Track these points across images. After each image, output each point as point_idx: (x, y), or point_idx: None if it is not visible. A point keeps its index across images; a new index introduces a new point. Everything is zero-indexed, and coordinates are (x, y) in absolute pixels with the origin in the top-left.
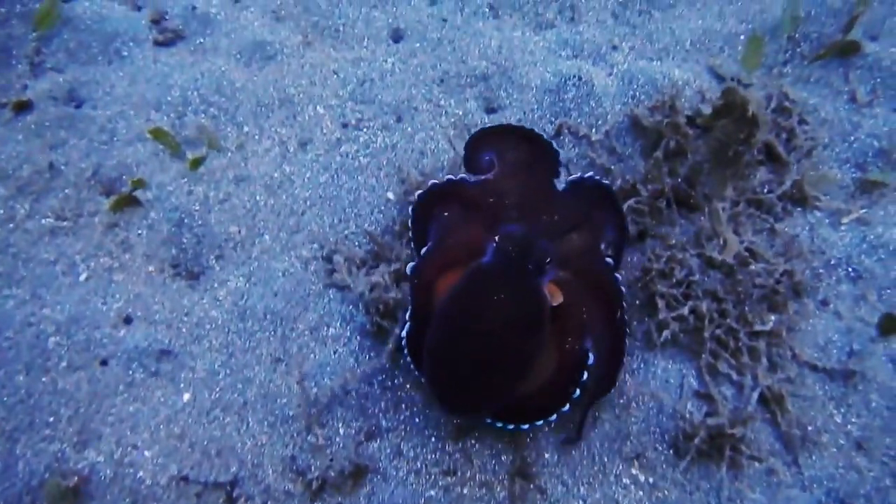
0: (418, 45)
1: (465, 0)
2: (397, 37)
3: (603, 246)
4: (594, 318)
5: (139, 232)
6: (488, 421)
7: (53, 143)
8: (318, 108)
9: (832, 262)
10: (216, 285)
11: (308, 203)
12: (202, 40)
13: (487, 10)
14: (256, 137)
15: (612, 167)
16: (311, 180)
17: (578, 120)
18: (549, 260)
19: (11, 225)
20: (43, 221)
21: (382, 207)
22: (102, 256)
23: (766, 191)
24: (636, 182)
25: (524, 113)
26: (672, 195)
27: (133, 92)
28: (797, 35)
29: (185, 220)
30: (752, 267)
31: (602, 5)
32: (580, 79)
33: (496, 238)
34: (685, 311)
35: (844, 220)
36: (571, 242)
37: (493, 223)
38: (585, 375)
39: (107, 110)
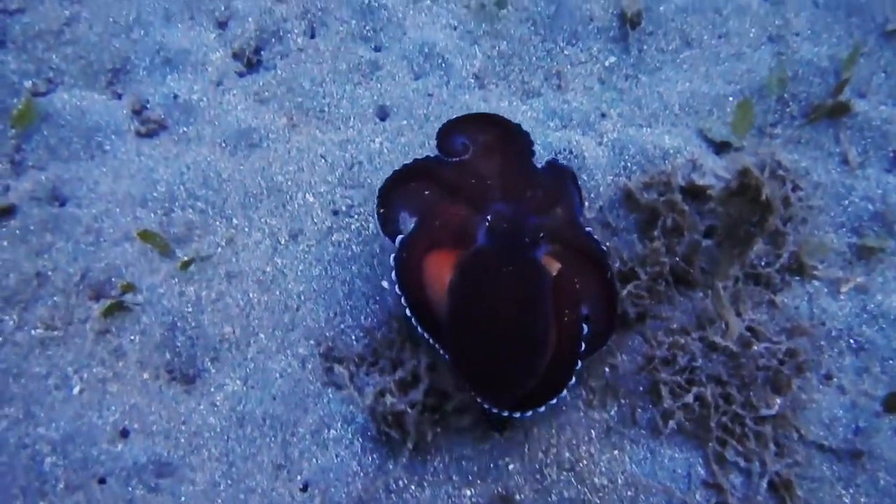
0: (405, 122)
1: (449, 72)
2: (383, 114)
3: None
4: (587, 284)
5: (132, 338)
6: (505, 414)
7: (39, 249)
8: (307, 195)
9: (833, 334)
10: (213, 389)
11: (302, 298)
12: (185, 129)
13: (473, 80)
14: (246, 230)
15: (608, 243)
16: (304, 273)
17: None
18: (542, 234)
19: (0, 339)
20: (33, 332)
21: (378, 297)
22: (95, 366)
23: (763, 264)
24: (634, 265)
25: None
26: (670, 274)
27: (118, 188)
28: (786, 95)
29: (178, 323)
30: (755, 348)
31: (588, 71)
32: (571, 152)
33: (487, 218)
34: (690, 398)
35: (843, 289)
36: (557, 216)
37: (478, 203)
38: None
39: (92, 209)
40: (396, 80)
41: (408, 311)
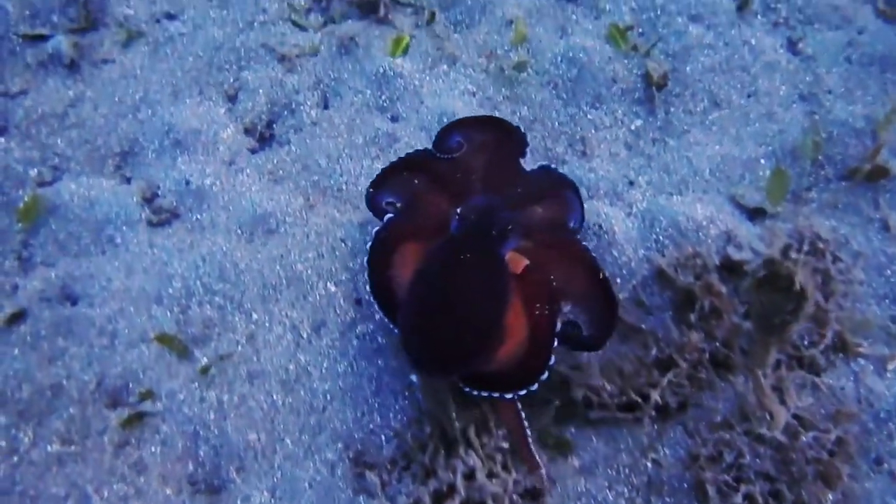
0: None
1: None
2: None
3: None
4: (572, 283)
5: (152, 449)
6: (485, 394)
7: (52, 355)
8: (328, 284)
9: (881, 416)
10: (239, 502)
11: (328, 397)
12: (199, 217)
13: None
14: (267, 324)
15: (643, 326)
16: (329, 370)
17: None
18: (510, 227)
19: (15, 458)
20: (49, 449)
21: (406, 393)
22: (116, 482)
23: (806, 344)
24: (672, 352)
25: None
26: (710, 359)
27: (131, 285)
28: (820, 157)
29: (201, 432)
30: (804, 439)
31: (614, 136)
32: (601, 227)
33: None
34: (738, 498)
35: (890, 367)
36: (535, 214)
37: (460, 196)
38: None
39: (105, 308)
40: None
41: (368, 290)
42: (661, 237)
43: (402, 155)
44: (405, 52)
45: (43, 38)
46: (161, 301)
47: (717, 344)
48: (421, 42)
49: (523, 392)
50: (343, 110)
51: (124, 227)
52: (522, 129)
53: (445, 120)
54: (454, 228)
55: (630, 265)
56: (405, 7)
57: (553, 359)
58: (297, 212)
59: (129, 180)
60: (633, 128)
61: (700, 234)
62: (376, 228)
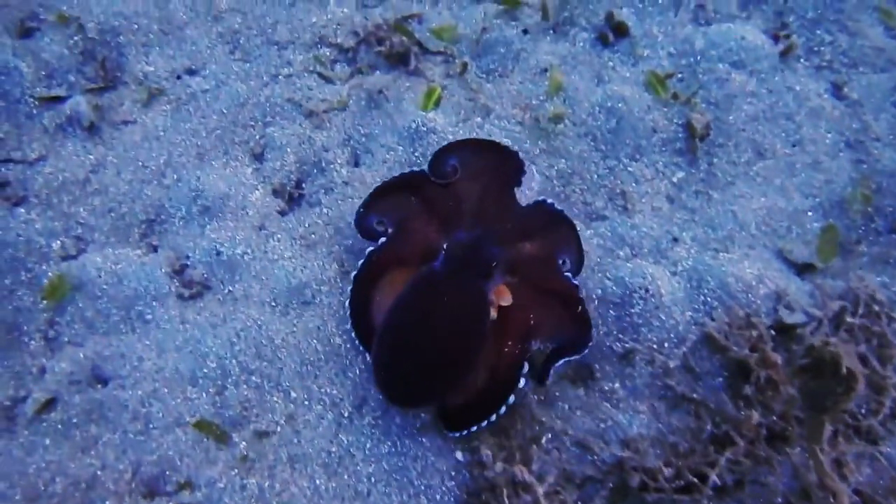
0: None
1: None
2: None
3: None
4: (551, 319)
5: None
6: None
7: (85, 444)
8: (367, 358)
9: None
10: None
11: (373, 480)
12: (231, 289)
13: None
14: (306, 403)
15: (695, 395)
16: (372, 451)
17: (649, 336)
18: (495, 264)
19: None
20: None
21: (453, 472)
22: None
23: (863, 412)
24: (729, 428)
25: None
26: (767, 432)
27: (164, 365)
28: (869, 209)
29: None
30: None
31: (655, 189)
32: (647, 290)
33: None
34: None
35: None
36: (524, 250)
37: (449, 226)
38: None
39: (137, 390)
40: None
41: (348, 312)
42: (709, 298)
43: (398, 175)
44: (437, 104)
45: (60, 100)
46: (196, 382)
47: (774, 417)
48: (453, 93)
49: (483, 425)
50: (375, 168)
51: (154, 303)
52: (519, 155)
53: None
54: (439, 263)
55: (678, 328)
56: (435, 55)
57: (513, 398)
58: (332, 280)
59: (155, 249)
60: (674, 180)
61: (749, 294)
62: (369, 249)
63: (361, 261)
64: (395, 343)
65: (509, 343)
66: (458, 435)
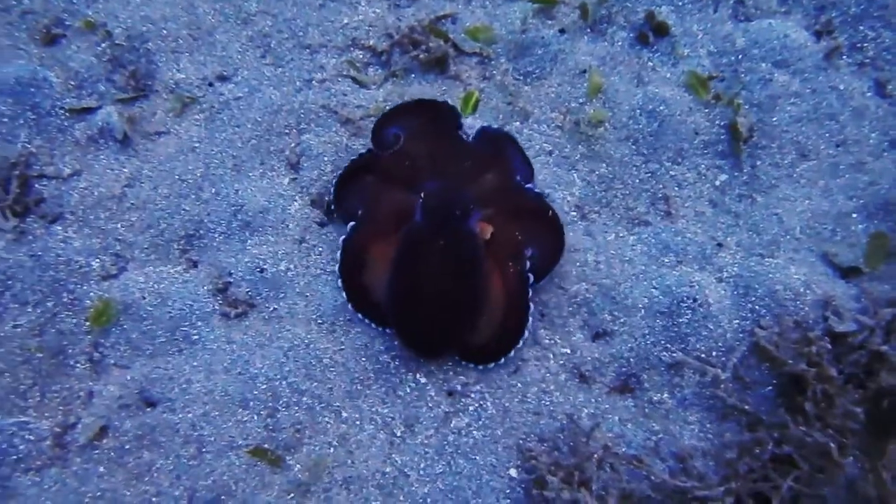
0: None
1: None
2: None
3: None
4: (530, 230)
5: None
6: (480, 367)
7: (138, 471)
8: (418, 376)
9: None
10: None
11: (428, 500)
12: (276, 306)
13: (575, 212)
14: (358, 423)
15: (747, 407)
16: (426, 471)
17: (697, 346)
18: (470, 206)
19: None
20: None
21: (508, 490)
22: None
23: None
24: (790, 449)
25: (635, 339)
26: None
27: (213, 387)
28: None
29: None
30: None
31: (698, 193)
32: (694, 300)
33: (420, 197)
34: None
35: None
36: (487, 182)
37: (414, 185)
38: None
39: (188, 412)
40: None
41: (343, 294)
42: (756, 306)
43: (347, 164)
44: (475, 109)
45: (90, 111)
46: (247, 404)
47: (832, 431)
48: (490, 96)
49: (520, 345)
50: None
51: (199, 323)
52: (449, 102)
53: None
54: (419, 217)
55: (725, 337)
56: (470, 57)
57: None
58: None
59: (196, 265)
60: (717, 183)
61: (797, 302)
62: (342, 237)
63: (339, 252)
64: (407, 302)
65: (509, 264)
66: (496, 363)
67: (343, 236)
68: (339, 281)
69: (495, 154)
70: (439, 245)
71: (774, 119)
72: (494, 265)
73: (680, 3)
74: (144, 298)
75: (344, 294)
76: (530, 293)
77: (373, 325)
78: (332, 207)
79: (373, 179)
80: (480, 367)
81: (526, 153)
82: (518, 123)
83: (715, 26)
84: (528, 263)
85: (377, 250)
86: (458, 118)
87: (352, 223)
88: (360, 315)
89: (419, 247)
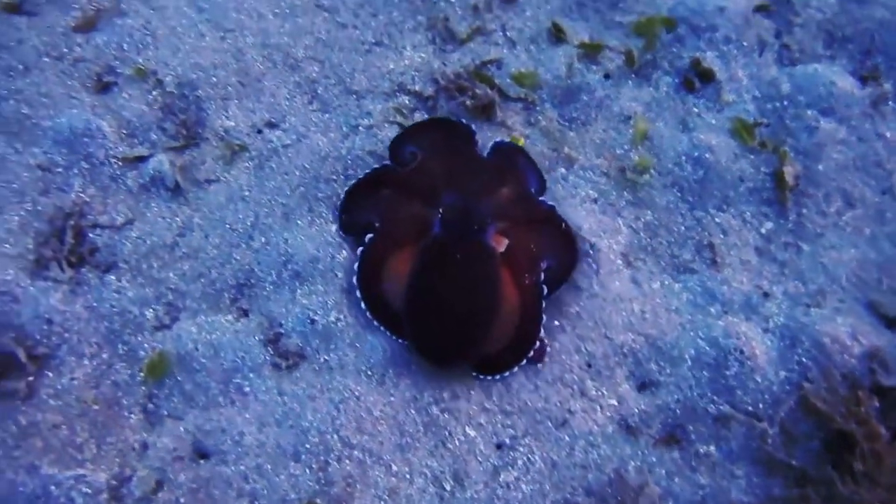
0: (556, 322)
1: (597, 257)
2: None
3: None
4: (545, 241)
5: None
6: (489, 378)
7: None
8: (467, 428)
9: None
10: None
11: None
12: (326, 358)
13: (620, 261)
14: (407, 476)
15: (794, 462)
16: None
17: (744, 398)
18: (488, 219)
19: None
20: None
21: None
22: None
23: None
24: None
25: (682, 390)
26: None
27: (265, 440)
28: None
29: None
30: None
31: (743, 241)
32: (742, 352)
33: (440, 211)
34: None
35: None
36: (503, 196)
37: (432, 199)
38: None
39: (240, 465)
40: None
41: (362, 304)
42: (803, 359)
43: (366, 172)
44: None
45: (142, 159)
46: (299, 457)
47: (880, 490)
48: (535, 142)
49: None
50: None
51: (251, 374)
52: (465, 121)
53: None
54: (438, 230)
55: (772, 389)
56: (515, 102)
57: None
58: None
59: (246, 313)
60: (763, 231)
61: (844, 354)
62: (360, 248)
63: (356, 262)
64: (424, 312)
65: (525, 276)
66: (505, 374)
67: (361, 247)
68: (357, 291)
69: (509, 168)
70: (457, 257)
71: (820, 166)
72: (510, 276)
73: (725, 48)
74: (198, 350)
75: (362, 303)
76: (544, 305)
77: (389, 334)
78: (343, 216)
79: (390, 193)
80: (496, 376)
81: (538, 166)
82: (563, 170)
83: (760, 71)
84: (542, 275)
85: (395, 261)
86: (474, 135)
87: (370, 234)
88: (376, 323)
89: (437, 258)
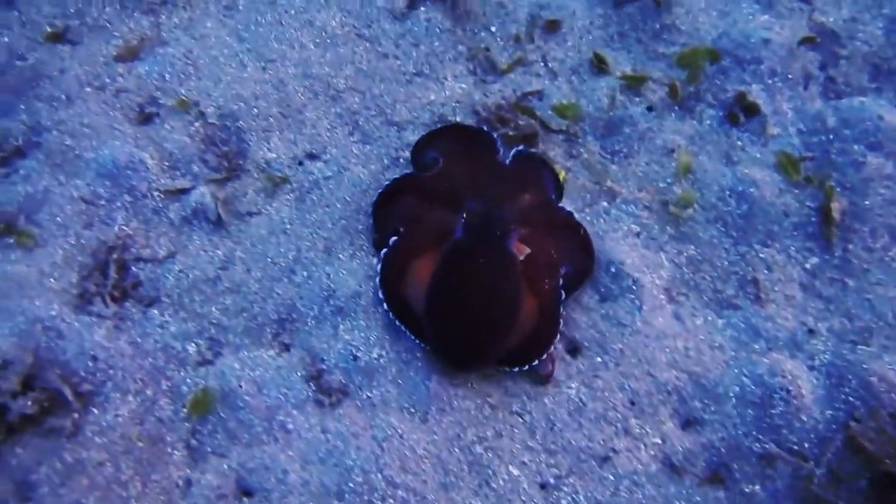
0: (599, 359)
1: (640, 293)
2: (574, 350)
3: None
4: (565, 246)
5: None
6: (506, 368)
7: None
8: (510, 468)
9: None
10: None
11: None
12: (369, 394)
13: (664, 296)
14: None
15: (840, 503)
16: None
17: (790, 437)
18: (510, 226)
19: None
20: None
21: None
22: None
23: None
24: None
25: (726, 428)
26: None
27: (309, 478)
28: None
29: None
30: None
31: (788, 276)
32: (788, 391)
33: (463, 216)
34: None
35: None
36: (524, 201)
37: (455, 205)
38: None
39: (284, 503)
40: (582, 305)
41: (385, 304)
42: (850, 398)
43: (387, 183)
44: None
45: (185, 192)
46: (342, 497)
47: None
48: (577, 175)
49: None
50: None
51: (294, 411)
52: (486, 129)
53: (613, 270)
54: (460, 235)
55: (818, 428)
56: (556, 134)
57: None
58: (466, 381)
59: (288, 348)
60: (807, 266)
61: (892, 393)
62: (383, 251)
63: (380, 264)
64: (446, 317)
65: (545, 281)
66: (523, 368)
67: (384, 249)
68: (380, 292)
69: (530, 174)
70: (479, 263)
71: (867, 202)
72: (529, 281)
73: (769, 81)
74: (241, 387)
75: (385, 304)
76: (562, 310)
77: (412, 336)
78: (377, 236)
79: (413, 198)
80: (510, 369)
81: (557, 173)
82: (605, 203)
83: (805, 104)
84: (561, 280)
85: (417, 265)
86: (496, 142)
87: (393, 237)
88: (398, 323)
89: (460, 263)
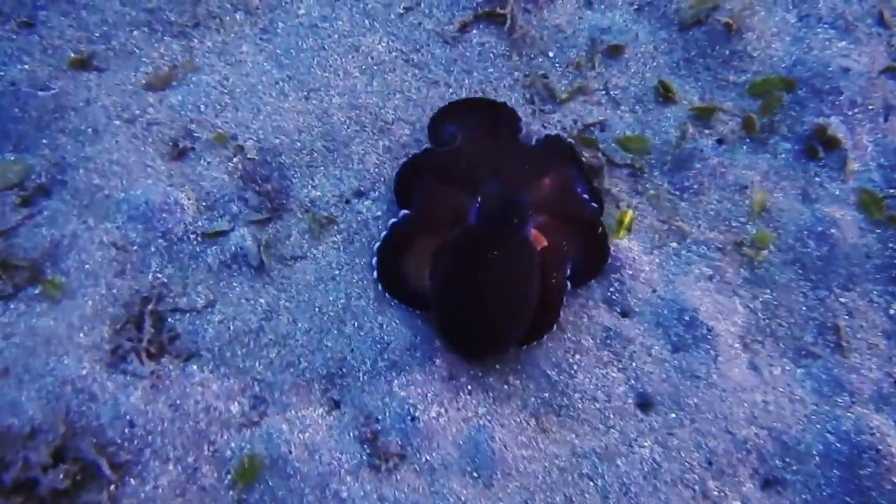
0: (674, 415)
1: (714, 342)
2: (644, 404)
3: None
4: (577, 240)
5: None
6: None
7: None
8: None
9: None
10: None
11: None
12: (428, 457)
13: (737, 343)
14: None
15: None
16: None
17: (881, 501)
18: (529, 213)
19: None
20: None
21: None
22: None
23: None
24: None
25: (810, 490)
26: None
27: None
28: None
29: None
30: None
31: (870, 323)
32: (877, 450)
33: (478, 199)
34: None
35: None
36: (544, 187)
37: (472, 185)
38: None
39: None
40: (652, 356)
41: (375, 273)
42: None
43: (404, 162)
44: (629, 230)
45: (223, 234)
46: None
47: None
48: (644, 214)
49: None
50: (567, 306)
51: (348, 477)
52: (510, 106)
53: (686, 318)
54: (475, 220)
55: None
56: (621, 168)
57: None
58: (530, 440)
59: (338, 405)
60: (892, 312)
61: None
62: (392, 220)
63: (384, 233)
64: (457, 306)
65: (554, 274)
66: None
67: (393, 219)
68: (374, 259)
69: (555, 160)
70: (494, 252)
71: None
72: (543, 274)
73: (849, 113)
74: (291, 452)
75: (375, 272)
76: (564, 301)
77: (405, 307)
78: (398, 204)
79: (428, 176)
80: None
81: (583, 165)
82: (675, 244)
83: (886, 138)
84: (568, 272)
85: (422, 243)
86: (519, 120)
87: (404, 211)
88: (387, 295)
89: (474, 251)
